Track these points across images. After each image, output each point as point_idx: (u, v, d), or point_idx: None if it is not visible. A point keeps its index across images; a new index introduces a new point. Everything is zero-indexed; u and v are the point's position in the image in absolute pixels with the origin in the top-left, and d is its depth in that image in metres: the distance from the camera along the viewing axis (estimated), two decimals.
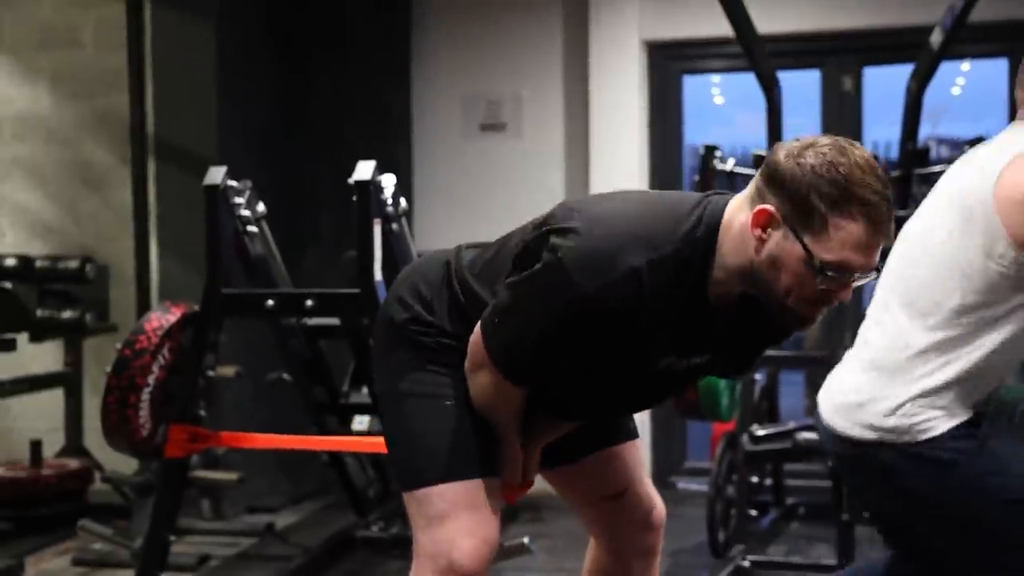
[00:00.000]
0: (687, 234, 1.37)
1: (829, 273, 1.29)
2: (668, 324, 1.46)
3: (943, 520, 1.70)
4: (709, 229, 1.38)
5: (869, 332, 1.80)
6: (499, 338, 1.51)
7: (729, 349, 1.59)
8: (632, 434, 1.84)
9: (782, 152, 1.34)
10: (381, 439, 2.42)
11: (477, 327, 1.57)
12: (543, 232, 1.45)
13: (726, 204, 1.40)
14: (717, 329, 1.49)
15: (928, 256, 1.72)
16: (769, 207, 1.31)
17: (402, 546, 3.57)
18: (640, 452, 1.91)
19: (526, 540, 3.34)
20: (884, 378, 1.73)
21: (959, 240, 1.65)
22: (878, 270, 1.50)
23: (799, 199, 1.30)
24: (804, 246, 1.28)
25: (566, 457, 1.78)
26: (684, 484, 4.76)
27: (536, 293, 1.47)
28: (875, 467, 1.75)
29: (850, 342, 2.07)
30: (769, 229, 1.31)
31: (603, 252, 1.37)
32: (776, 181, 1.33)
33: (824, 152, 1.30)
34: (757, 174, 1.41)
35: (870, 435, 1.68)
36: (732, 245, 1.39)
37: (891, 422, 1.67)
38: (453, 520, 1.55)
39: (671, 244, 1.36)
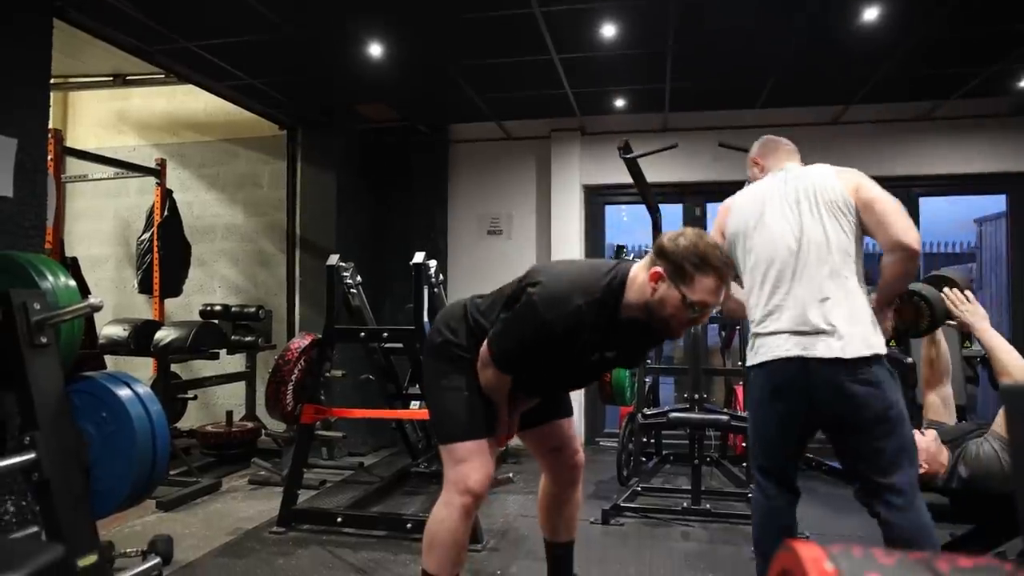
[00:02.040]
0: (607, 285, 1.86)
1: (696, 308, 1.82)
2: (596, 336, 1.92)
3: (886, 415, 1.97)
4: (619, 283, 1.88)
5: (784, 302, 2.08)
6: (497, 348, 1.97)
7: (628, 348, 2.08)
8: (569, 413, 2.35)
9: (666, 238, 1.87)
10: (426, 413, 2.97)
11: (484, 343, 2.01)
12: (522, 285, 1.92)
13: (630, 268, 1.92)
14: (623, 337, 1.99)
15: (811, 240, 2.07)
16: (659, 269, 1.82)
17: (438, 477, 3.95)
18: (573, 424, 2.37)
19: (511, 475, 4.44)
20: (845, 316, 2.01)
21: (832, 223, 2.06)
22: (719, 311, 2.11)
23: (677, 265, 1.80)
24: (681, 293, 1.80)
25: (532, 424, 2.27)
26: (604, 442, 5.54)
27: (519, 321, 1.91)
28: (867, 377, 1.97)
29: (704, 362, 3.01)
30: (659, 282, 1.82)
31: (559, 296, 1.83)
32: (663, 254, 1.83)
33: (690, 237, 1.84)
34: (650, 251, 1.90)
35: (868, 352, 1.97)
36: (634, 291, 1.87)
37: (874, 341, 2.01)
38: (469, 462, 2.00)
39: (598, 291, 1.84)
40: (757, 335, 2.20)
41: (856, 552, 0.61)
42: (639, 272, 1.89)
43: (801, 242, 2.12)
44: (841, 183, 2.13)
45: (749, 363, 2.25)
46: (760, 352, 2.18)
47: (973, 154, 5.23)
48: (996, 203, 6.52)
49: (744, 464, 4.23)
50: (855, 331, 2.04)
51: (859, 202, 2.09)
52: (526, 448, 2.44)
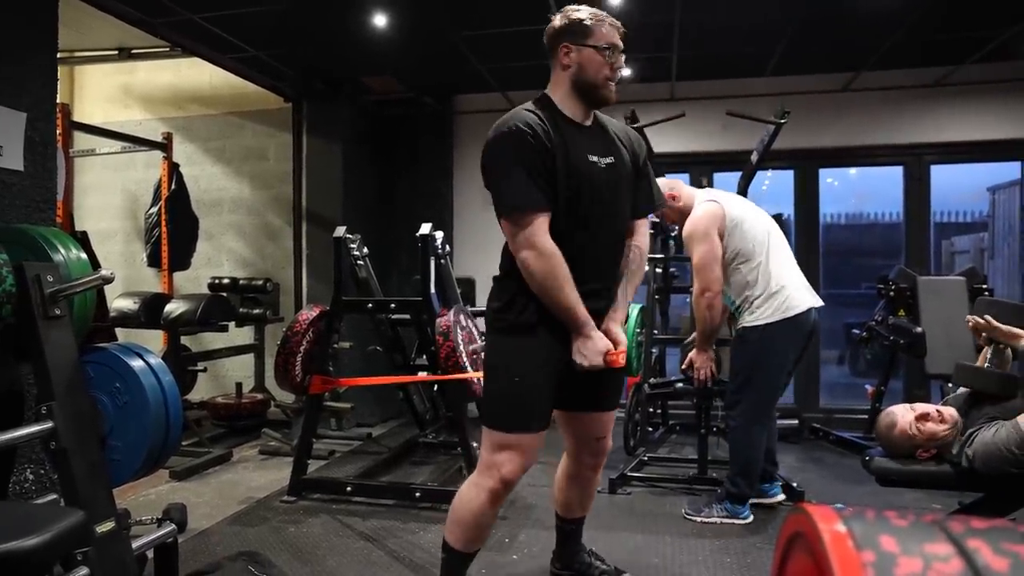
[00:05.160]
0: (533, 100, 2.05)
1: (610, 51, 1.97)
2: (566, 140, 1.94)
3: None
4: (540, 95, 2.07)
5: (792, 268, 3.07)
6: (502, 200, 1.93)
7: (611, 148, 2.04)
8: (615, 405, 2.29)
9: (551, 24, 2.04)
10: (434, 378, 3.74)
11: (500, 224, 1.96)
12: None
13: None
14: (596, 137, 2.04)
15: (774, 227, 3.14)
16: (564, 45, 2.01)
17: (445, 448, 4.46)
18: (613, 418, 2.32)
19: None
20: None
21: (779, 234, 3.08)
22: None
23: (573, 31, 1.99)
24: (590, 47, 1.98)
25: (577, 407, 2.23)
26: None
27: (492, 162, 1.95)
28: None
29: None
30: (569, 55, 1.99)
31: (501, 121, 1.97)
32: (558, 34, 2.01)
33: (566, 11, 2.03)
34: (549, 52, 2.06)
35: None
36: (556, 88, 2.05)
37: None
38: (506, 452, 1.99)
39: (527, 106, 2.02)
40: (776, 293, 2.96)
41: (869, 515, 0.62)
42: (552, 75, 2.07)
43: (771, 228, 3.14)
44: None
45: (772, 319, 2.94)
46: (787, 308, 2.95)
47: (987, 120, 5.17)
48: (1010, 171, 6.46)
49: None
50: None
51: None
52: (556, 423, 2.30)
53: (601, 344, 1.95)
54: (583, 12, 2.00)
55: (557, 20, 2.03)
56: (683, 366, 3.53)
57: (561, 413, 2.24)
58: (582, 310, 1.93)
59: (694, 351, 3.31)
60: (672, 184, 3.24)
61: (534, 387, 1.97)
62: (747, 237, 3.07)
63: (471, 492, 2.04)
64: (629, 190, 2.09)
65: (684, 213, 3.20)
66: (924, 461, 2.35)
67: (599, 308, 2.04)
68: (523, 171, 1.87)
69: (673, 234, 4.44)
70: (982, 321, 2.41)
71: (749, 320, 3.06)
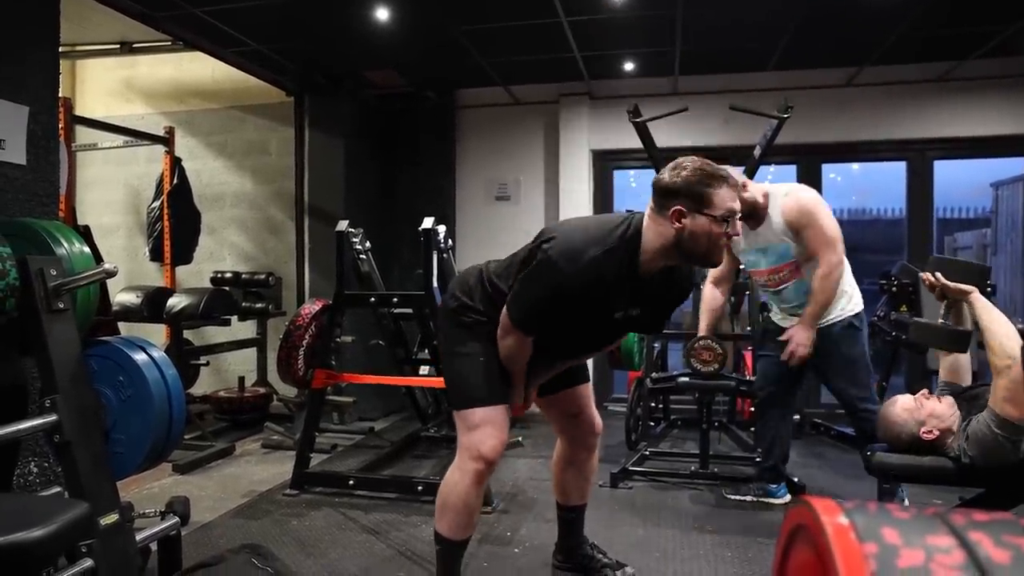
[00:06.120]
0: (621, 235, 1.88)
1: (727, 221, 1.83)
2: (618, 290, 1.91)
3: None
4: (634, 231, 1.89)
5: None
6: (517, 310, 1.96)
7: (653, 304, 2.02)
8: (586, 379, 2.37)
9: (666, 176, 1.86)
10: (437, 379, 3.66)
11: (504, 309, 1.98)
12: (537, 244, 1.91)
13: (642, 217, 1.93)
14: (647, 291, 1.96)
15: None
16: (678, 207, 1.82)
17: (448, 441, 4.39)
18: (590, 389, 2.39)
19: (520, 439, 4.40)
20: None
21: None
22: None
23: (690, 193, 1.82)
24: (708, 216, 1.82)
25: (550, 391, 2.31)
26: (612, 407, 5.64)
27: (537, 280, 1.90)
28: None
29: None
30: (682, 219, 1.83)
31: (575, 249, 1.84)
32: (672, 192, 1.84)
33: (686, 164, 1.86)
34: (651, 198, 1.89)
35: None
36: (650, 237, 1.88)
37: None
38: (482, 429, 2.02)
39: (613, 241, 1.86)
40: (851, 293, 3.12)
41: (871, 507, 0.62)
42: (649, 219, 1.91)
43: None
44: None
45: (856, 311, 3.08)
46: (858, 303, 3.13)
47: (991, 116, 5.15)
48: (1013, 166, 6.44)
49: (751, 428, 4.24)
50: None
51: None
52: (541, 413, 2.43)
53: (516, 397, 2.16)
54: (701, 172, 1.83)
55: (669, 175, 1.86)
56: (783, 337, 3.16)
57: (542, 400, 2.32)
58: (520, 379, 2.13)
59: (799, 327, 3.06)
60: (736, 174, 3.08)
61: (497, 364, 2.06)
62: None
63: (455, 477, 2.08)
64: (639, 320, 2.11)
65: (754, 207, 3.08)
66: (924, 455, 2.35)
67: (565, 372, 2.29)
68: (549, 305, 1.92)
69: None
70: (931, 278, 2.44)
71: (850, 308, 3.09)
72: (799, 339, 3.04)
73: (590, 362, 2.44)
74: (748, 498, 3.46)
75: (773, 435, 3.42)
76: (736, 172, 2.99)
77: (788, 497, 3.45)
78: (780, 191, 3.10)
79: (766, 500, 3.48)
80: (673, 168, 1.87)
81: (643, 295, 1.99)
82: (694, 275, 2.26)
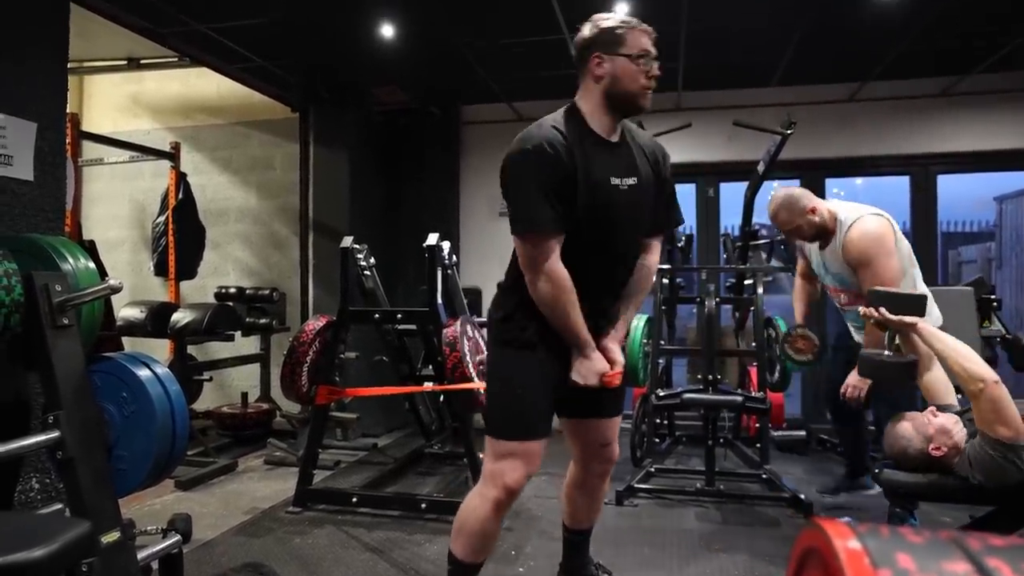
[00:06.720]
0: (564, 109, 1.98)
1: (644, 59, 1.91)
2: (589, 160, 1.89)
3: None
4: (572, 102, 2.00)
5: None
6: (517, 218, 1.90)
7: (636, 169, 1.97)
8: (619, 410, 2.29)
9: (581, 34, 1.97)
10: (441, 388, 3.65)
11: (513, 251, 1.94)
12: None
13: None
14: (626, 159, 1.96)
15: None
16: (596, 55, 1.93)
17: (451, 458, 4.44)
18: (618, 424, 2.31)
19: None
20: None
21: None
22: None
23: (605, 40, 1.92)
24: (623, 55, 1.91)
25: (580, 414, 2.24)
26: None
27: (512, 181, 1.91)
28: None
29: (718, 343, 3.44)
30: (602, 65, 1.92)
31: (526, 135, 1.90)
32: (588, 45, 1.94)
33: (595, 19, 1.96)
34: (579, 78, 1.98)
35: None
36: (585, 96, 1.97)
37: None
38: (509, 460, 1.99)
39: (557, 115, 1.96)
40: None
41: (883, 531, 0.61)
42: (581, 86, 1.99)
43: None
44: None
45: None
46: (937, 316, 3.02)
47: (994, 130, 5.16)
48: (1016, 180, 6.43)
49: (757, 445, 4.20)
50: None
51: None
52: (561, 431, 2.33)
53: (599, 365, 1.98)
54: (613, 20, 1.94)
55: (586, 30, 1.96)
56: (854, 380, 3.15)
57: (565, 421, 2.26)
58: (584, 333, 1.96)
59: (856, 371, 3.03)
60: (805, 196, 3.14)
61: (536, 397, 2.00)
62: (903, 250, 3.06)
63: (475, 502, 2.05)
64: (649, 209, 2.04)
65: (823, 229, 3.12)
66: (932, 472, 2.31)
67: (604, 326, 2.07)
68: (540, 192, 1.84)
69: (778, 241, 4.45)
70: (874, 313, 2.41)
71: None
72: (851, 381, 3.08)
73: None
74: (840, 497, 3.69)
75: (854, 437, 3.62)
76: (805, 194, 3.13)
77: (877, 488, 3.29)
78: (849, 217, 3.05)
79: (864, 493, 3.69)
80: (588, 22, 1.98)
81: (625, 162, 1.98)
82: (667, 158, 2.11)
